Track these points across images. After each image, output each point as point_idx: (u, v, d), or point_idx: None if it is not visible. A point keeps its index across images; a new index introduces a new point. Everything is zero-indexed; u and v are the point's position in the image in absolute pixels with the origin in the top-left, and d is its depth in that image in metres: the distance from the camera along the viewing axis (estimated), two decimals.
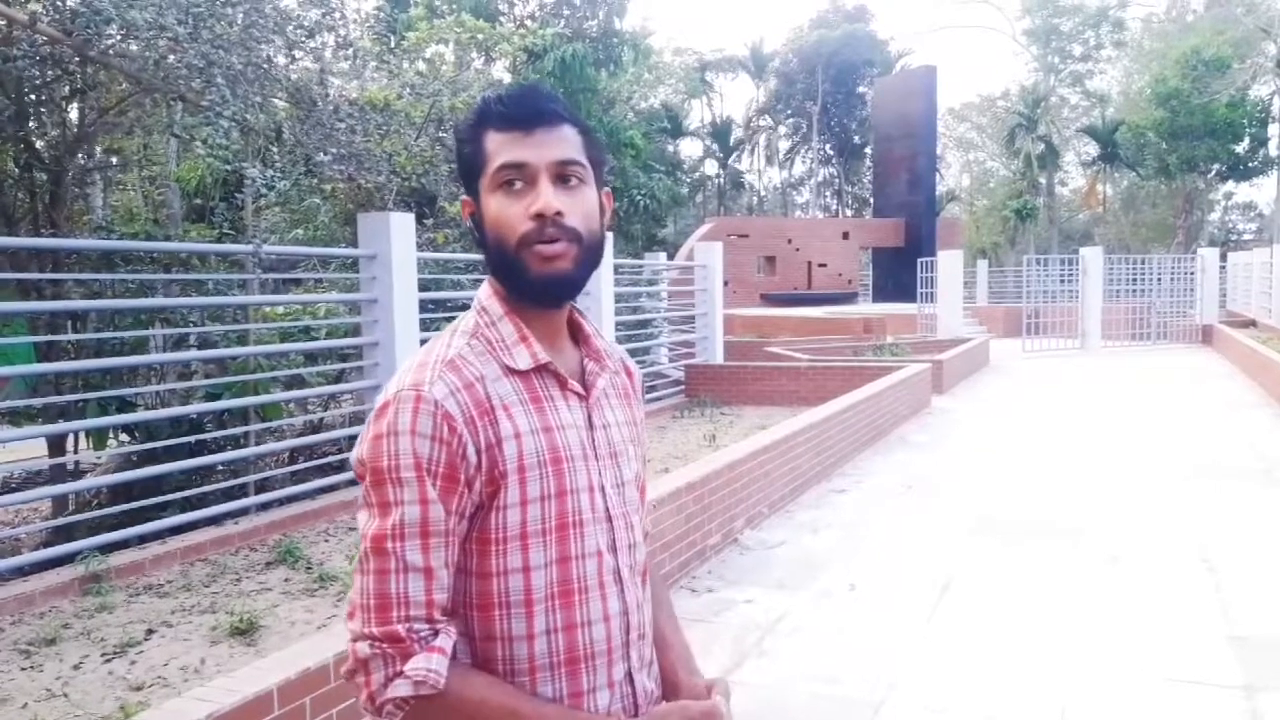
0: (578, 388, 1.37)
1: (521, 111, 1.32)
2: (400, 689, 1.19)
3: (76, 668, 4.24)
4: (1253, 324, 22.69)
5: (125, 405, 6.82)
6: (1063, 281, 21.65)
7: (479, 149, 1.32)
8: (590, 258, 1.33)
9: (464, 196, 1.38)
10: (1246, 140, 43.04)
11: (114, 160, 10.43)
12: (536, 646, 1.29)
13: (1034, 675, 4.16)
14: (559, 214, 1.29)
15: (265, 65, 6.84)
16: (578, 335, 1.44)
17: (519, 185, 1.30)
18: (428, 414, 1.22)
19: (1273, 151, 43.46)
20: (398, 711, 1.20)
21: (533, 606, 1.28)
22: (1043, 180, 50.18)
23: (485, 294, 1.37)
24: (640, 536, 1.44)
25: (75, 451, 7.52)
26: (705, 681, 1.46)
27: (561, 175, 1.31)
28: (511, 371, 1.31)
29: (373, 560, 1.22)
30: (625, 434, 1.44)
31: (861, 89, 51.69)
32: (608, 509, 1.36)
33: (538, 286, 1.31)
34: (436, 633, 1.22)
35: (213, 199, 11.39)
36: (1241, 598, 5.06)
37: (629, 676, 1.37)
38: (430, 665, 1.20)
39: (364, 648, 1.21)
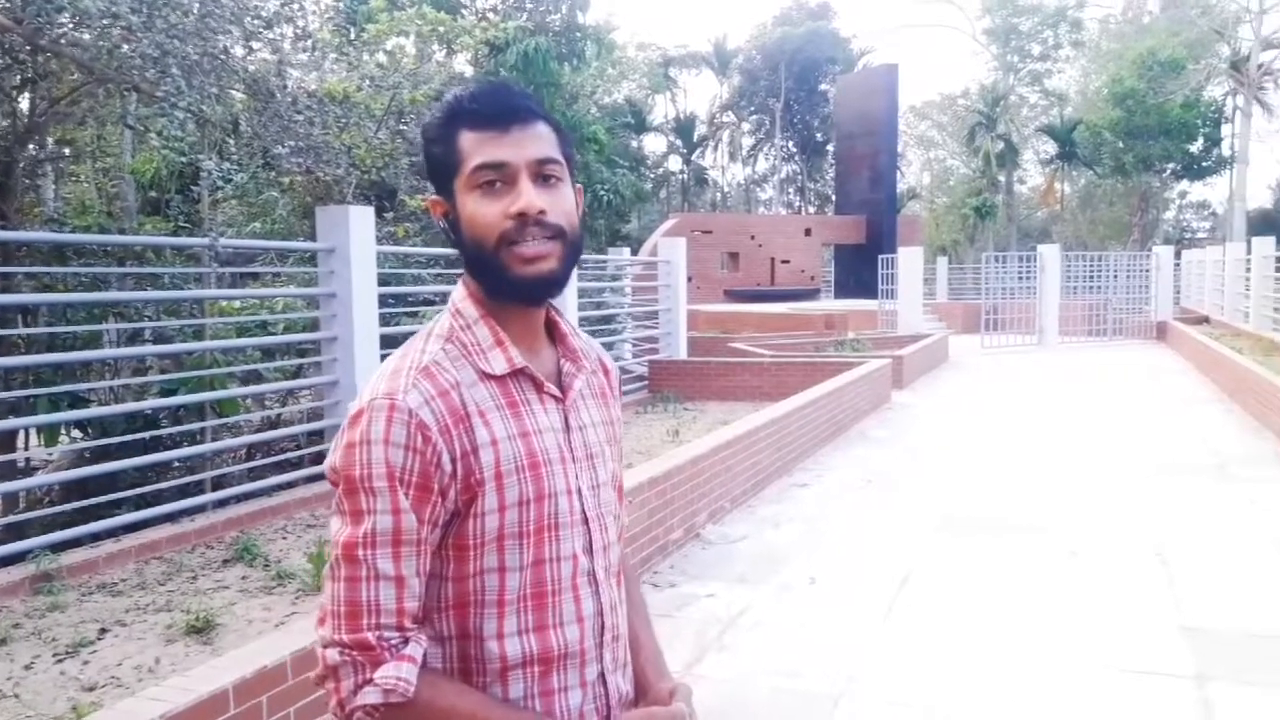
0: (554, 390, 1.35)
1: (496, 110, 1.30)
2: (369, 696, 1.19)
3: (28, 668, 4.16)
4: (1206, 320, 23.10)
5: (78, 401, 6.69)
6: (1021, 278, 21.89)
7: (452, 148, 1.30)
8: (573, 255, 1.32)
9: (433, 196, 1.35)
10: (1200, 140, 43.82)
11: (66, 151, 10.24)
12: (508, 646, 1.28)
13: (992, 667, 4.20)
14: (542, 212, 1.27)
15: (222, 56, 6.75)
16: (554, 334, 1.42)
17: (498, 185, 1.28)
18: (401, 423, 1.21)
19: (1226, 151, 44.25)
20: (367, 719, 1.20)
21: (505, 606, 1.28)
22: (1002, 178, 50.76)
23: (460, 296, 1.35)
24: (615, 537, 1.44)
25: (26, 448, 7.38)
26: (669, 686, 1.46)
27: (541, 174, 1.29)
28: (487, 376, 1.29)
29: (344, 567, 1.21)
30: (602, 434, 1.43)
31: (824, 86, 51.97)
32: (584, 511, 1.35)
33: (520, 286, 1.29)
34: (407, 641, 1.22)
35: (168, 192, 11.23)
36: (1194, 590, 5.15)
37: (601, 677, 1.37)
38: (400, 674, 1.19)
39: (334, 654, 1.20)
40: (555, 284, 1.31)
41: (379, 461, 1.21)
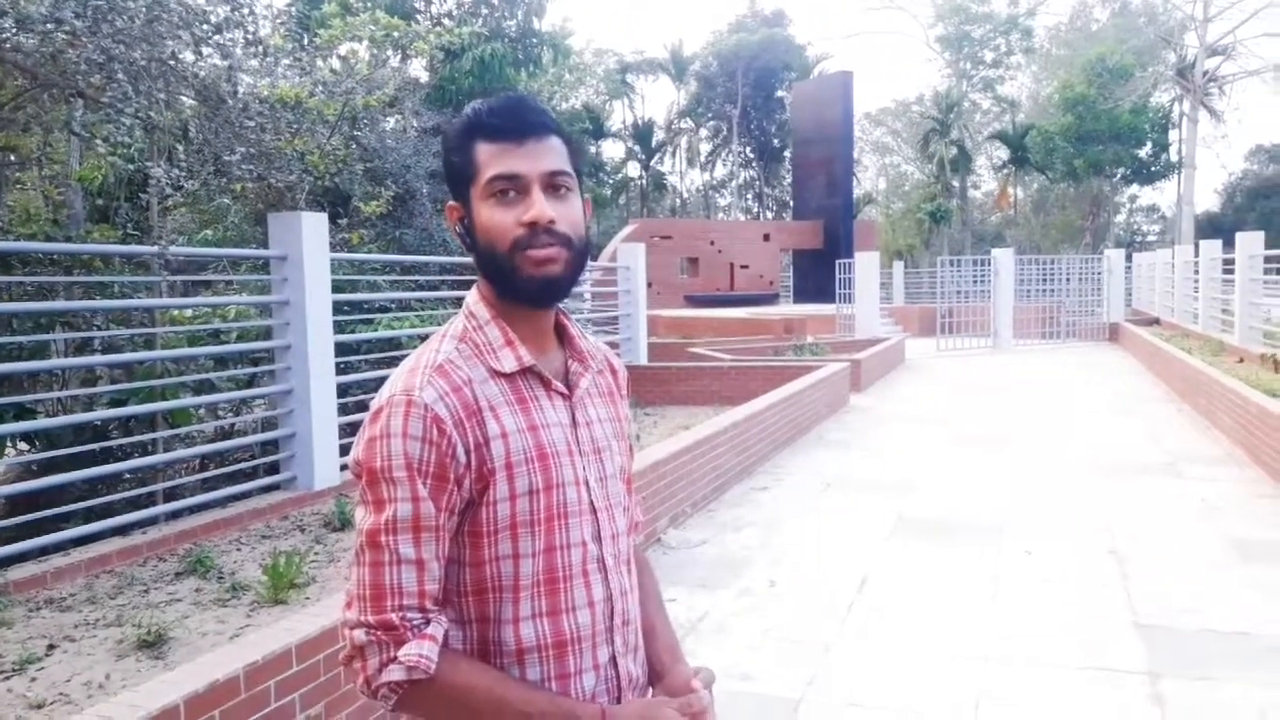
0: (561, 388, 1.44)
1: (513, 124, 1.38)
2: (394, 674, 1.28)
3: None
4: (1156, 322, 23.50)
5: (24, 412, 6.55)
6: (975, 282, 22.15)
7: (469, 158, 1.38)
8: (579, 262, 1.41)
9: (451, 202, 1.44)
10: (1149, 145, 44.71)
11: (11, 159, 10.03)
12: (523, 630, 1.36)
13: (950, 666, 4.23)
14: (551, 221, 1.36)
15: (170, 61, 6.63)
16: (563, 336, 1.51)
17: (512, 195, 1.36)
18: (418, 417, 1.30)
19: (1174, 156, 45.13)
20: (392, 695, 1.29)
21: (520, 592, 1.36)
22: (956, 183, 51.38)
23: (473, 299, 1.44)
24: (625, 527, 1.51)
25: None
26: (688, 670, 1.53)
27: (552, 185, 1.38)
28: (498, 374, 1.38)
29: (368, 553, 1.31)
30: (609, 430, 1.50)
31: (780, 93, 52.34)
32: (592, 501, 1.42)
33: (530, 288, 1.38)
34: (428, 621, 1.30)
35: (117, 199, 11.05)
36: (1146, 587, 5.23)
37: (613, 660, 1.44)
38: (422, 651, 1.28)
39: (360, 635, 1.29)
40: (561, 288, 1.39)
41: (398, 454, 1.30)
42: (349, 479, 7.44)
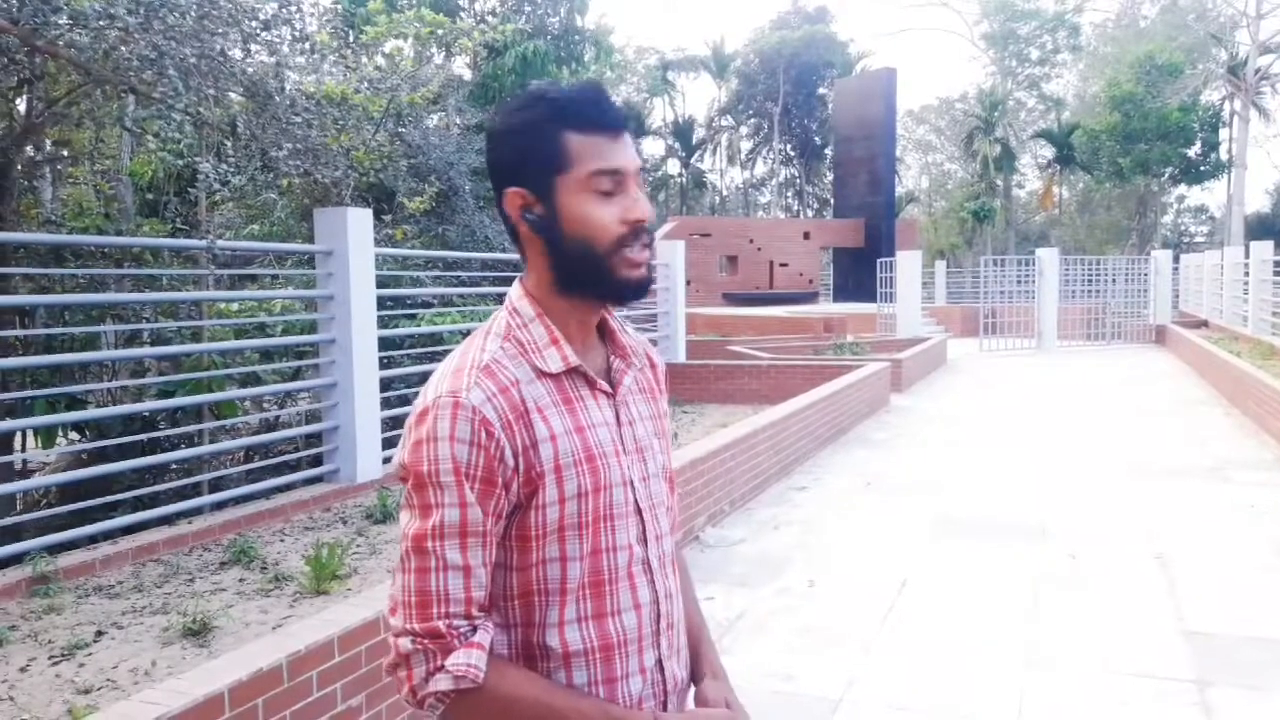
0: (606, 387, 1.41)
1: (608, 116, 1.34)
2: (441, 683, 1.24)
3: (23, 670, 4.14)
4: (1204, 324, 23.11)
5: (75, 403, 6.67)
6: (1019, 282, 21.89)
7: (556, 147, 1.32)
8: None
9: (515, 188, 1.35)
10: (1198, 144, 43.87)
11: (64, 153, 10.21)
12: (569, 634, 1.33)
13: (991, 670, 4.19)
14: (647, 221, 1.36)
15: (219, 58, 6.71)
16: (604, 331, 1.47)
17: (612, 191, 1.33)
18: (465, 420, 1.26)
19: (1223, 156, 44.29)
20: (439, 704, 1.26)
21: (566, 595, 1.33)
22: (1000, 182, 50.79)
23: (516, 295, 1.40)
24: (668, 528, 1.48)
25: (23, 450, 7.36)
26: (728, 687, 1.52)
27: (639, 182, 1.37)
28: (543, 374, 1.34)
29: (414, 559, 1.27)
30: (650, 428, 1.48)
31: (822, 90, 52.01)
32: (637, 502, 1.40)
33: (623, 289, 1.35)
34: (475, 629, 1.27)
35: (166, 194, 11.21)
36: (1194, 594, 5.14)
37: (659, 664, 1.42)
38: (470, 660, 1.24)
39: (406, 643, 1.25)
40: (647, 288, 1.39)
41: (445, 458, 1.26)
42: (391, 472, 7.49)
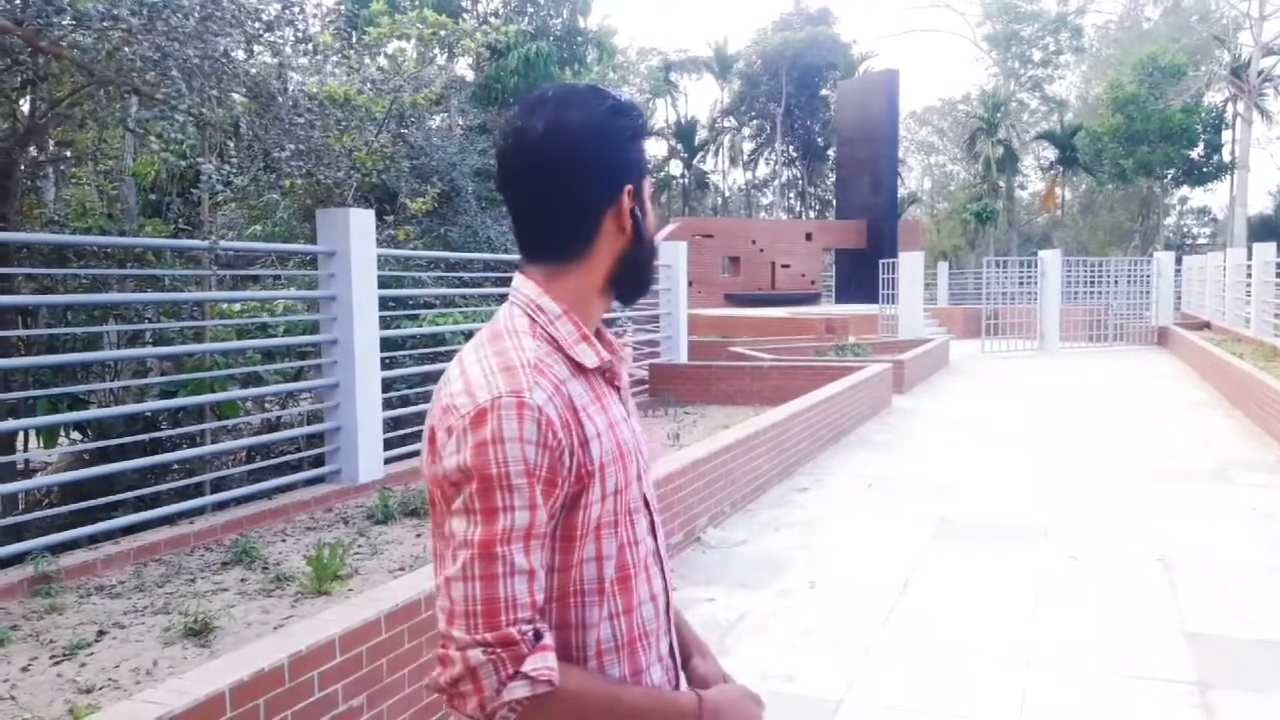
0: (618, 382, 1.44)
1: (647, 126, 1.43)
2: (517, 690, 1.20)
3: (25, 670, 4.15)
4: (1206, 326, 23.09)
5: (77, 402, 6.68)
6: (1021, 283, 21.87)
7: (642, 156, 1.39)
8: None
9: (628, 185, 1.39)
10: (1201, 146, 43.81)
11: (67, 153, 10.23)
12: (603, 631, 1.34)
13: (993, 671, 4.18)
14: None
15: (222, 59, 6.73)
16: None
17: None
18: (532, 420, 1.24)
19: (1226, 157, 44.24)
20: (511, 715, 1.21)
21: (602, 595, 1.33)
22: (1002, 184, 50.76)
23: (535, 292, 1.38)
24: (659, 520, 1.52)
25: (25, 450, 7.37)
26: (722, 670, 1.58)
27: None
28: (579, 371, 1.34)
29: (480, 566, 1.22)
30: (636, 423, 1.50)
31: (824, 91, 51.98)
32: (644, 495, 1.42)
33: (646, 289, 1.47)
34: (539, 633, 1.24)
35: (169, 194, 11.23)
36: (1195, 596, 5.13)
37: (671, 650, 1.45)
38: (546, 663, 1.22)
39: (477, 654, 1.20)
40: None
41: (516, 459, 1.23)
42: (393, 472, 7.51)
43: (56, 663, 4.22)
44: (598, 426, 1.31)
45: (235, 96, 7.56)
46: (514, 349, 1.31)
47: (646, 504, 1.43)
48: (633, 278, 1.42)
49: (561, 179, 1.35)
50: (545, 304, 1.36)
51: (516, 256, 1.44)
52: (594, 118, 1.36)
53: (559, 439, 1.25)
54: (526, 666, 1.20)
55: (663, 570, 1.45)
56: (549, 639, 1.24)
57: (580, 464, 1.28)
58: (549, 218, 1.37)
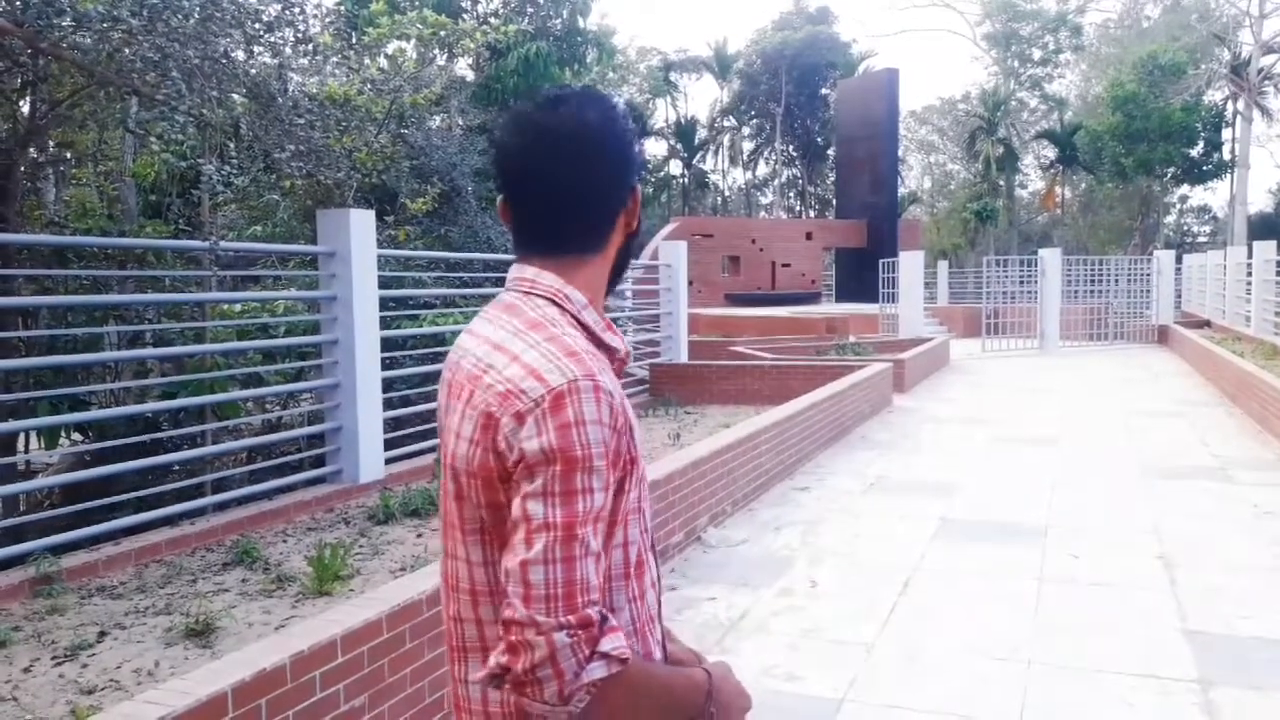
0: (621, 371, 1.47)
1: None
2: (596, 671, 1.21)
3: (26, 671, 4.15)
4: (1207, 324, 23.09)
5: (78, 404, 6.68)
6: (1022, 282, 21.87)
7: (640, 158, 1.46)
8: None
9: (634, 186, 1.47)
10: (1201, 144, 43.79)
11: (67, 155, 10.25)
12: (622, 618, 1.35)
13: (994, 670, 4.18)
14: None
15: (223, 60, 6.73)
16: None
17: None
18: (606, 404, 1.27)
19: (1226, 156, 44.24)
20: (586, 697, 1.21)
21: (627, 579, 1.36)
22: (1002, 183, 50.77)
23: (559, 283, 1.39)
24: None
25: (26, 451, 7.37)
26: (694, 650, 1.59)
27: None
28: (613, 360, 1.39)
29: (562, 548, 1.21)
30: None
31: (824, 91, 52.00)
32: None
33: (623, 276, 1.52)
34: (604, 614, 1.24)
35: (169, 195, 11.23)
36: (1196, 593, 5.14)
37: (665, 635, 1.50)
38: (621, 641, 1.23)
39: (562, 637, 1.19)
40: None
41: (597, 442, 1.25)
42: (394, 472, 7.51)
43: (58, 663, 4.22)
44: (631, 416, 1.34)
45: (235, 97, 7.56)
46: (566, 335, 1.32)
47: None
48: (621, 271, 1.48)
49: (598, 173, 1.39)
50: (572, 294, 1.39)
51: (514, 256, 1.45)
52: (614, 117, 1.42)
53: (621, 423, 1.29)
54: (604, 646, 1.21)
55: (655, 558, 1.47)
56: (613, 619, 1.25)
57: (628, 449, 1.31)
58: (580, 210, 1.41)
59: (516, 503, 1.25)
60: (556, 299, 1.38)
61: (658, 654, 1.42)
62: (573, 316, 1.37)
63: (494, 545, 1.33)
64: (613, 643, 1.22)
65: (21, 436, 7.12)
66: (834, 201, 42.66)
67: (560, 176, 1.38)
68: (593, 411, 1.25)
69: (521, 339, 1.32)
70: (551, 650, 1.19)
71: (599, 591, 1.23)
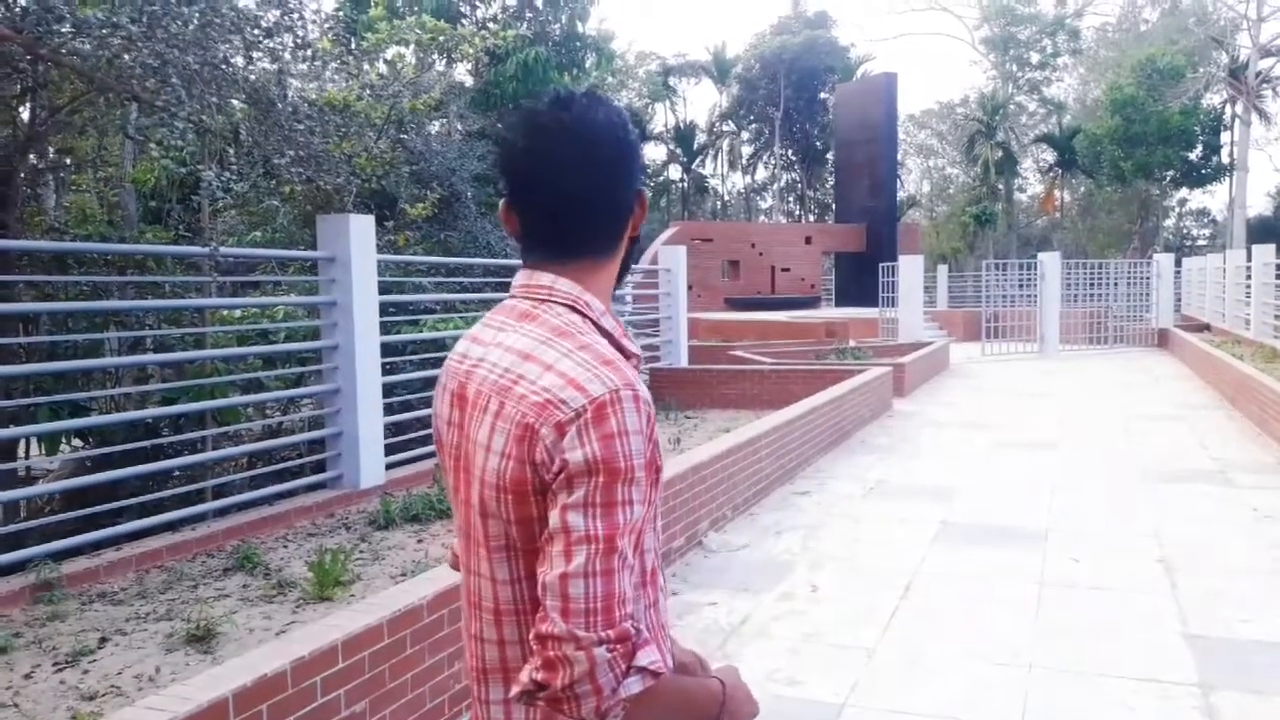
0: None
1: None
2: (633, 686, 1.18)
3: (28, 677, 4.15)
4: (1206, 328, 23.09)
5: (78, 409, 6.68)
6: (1021, 286, 21.88)
7: (643, 160, 1.44)
8: None
9: (641, 189, 1.45)
10: (1200, 148, 43.78)
11: (67, 161, 10.26)
12: (646, 622, 1.32)
13: (995, 675, 4.18)
14: None
15: (222, 66, 6.74)
16: None
17: None
18: (644, 414, 1.25)
19: (1225, 159, 44.26)
20: (621, 713, 1.19)
21: (645, 587, 1.32)
22: (1001, 186, 50.77)
23: (578, 289, 1.36)
24: None
25: (27, 457, 7.36)
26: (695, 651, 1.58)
27: None
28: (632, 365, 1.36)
29: (602, 561, 1.18)
30: None
31: (823, 95, 52.01)
32: None
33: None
34: (639, 627, 1.22)
35: (169, 201, 11.24)
36: (1196, 597, 5.14)
37: (671, 643, 1.47)
38: (657, 655, 1.21)
39: (602, 652, 1.16)
40: None
41: (639, 452, 1.23)
42: (395, 478, 7.51)
43: (59, 669, 4.22)
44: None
45: (235, 103, 7.57)
46: (597, 343, 1.30)
47: None
48: (623, 275, 1.46)
49: (610, 176, 1.37)
50: (592, 301, 1.36)
51: (516, 261, 1.45)
52: (622, 119, 1.40)
53: (654, 432, 1.27)
54: (640, 660, 1.19)
55: (660, 566, 1.44)
56: (645, 632, 1.23)
57: (657, 458, 1.28)
58: (592, 214, 1.38)
59: (554, 514, 1.21)
60: (577, 305, 1.35)
61: (669, 660, 1.39)
62: (593, 323, 1.34)
63: (520, 562, 1.30)
64: (649, 656, 1.19)
65: (22, 442, 7.11)
66: (833, 206, 42.68)
67: (573, 179, 1.34)
68: (634, 421, 1.23)
69: (552, 347, 1.29)
70: (592, 666, 1.16)
71: (633, 602, 1.21)
